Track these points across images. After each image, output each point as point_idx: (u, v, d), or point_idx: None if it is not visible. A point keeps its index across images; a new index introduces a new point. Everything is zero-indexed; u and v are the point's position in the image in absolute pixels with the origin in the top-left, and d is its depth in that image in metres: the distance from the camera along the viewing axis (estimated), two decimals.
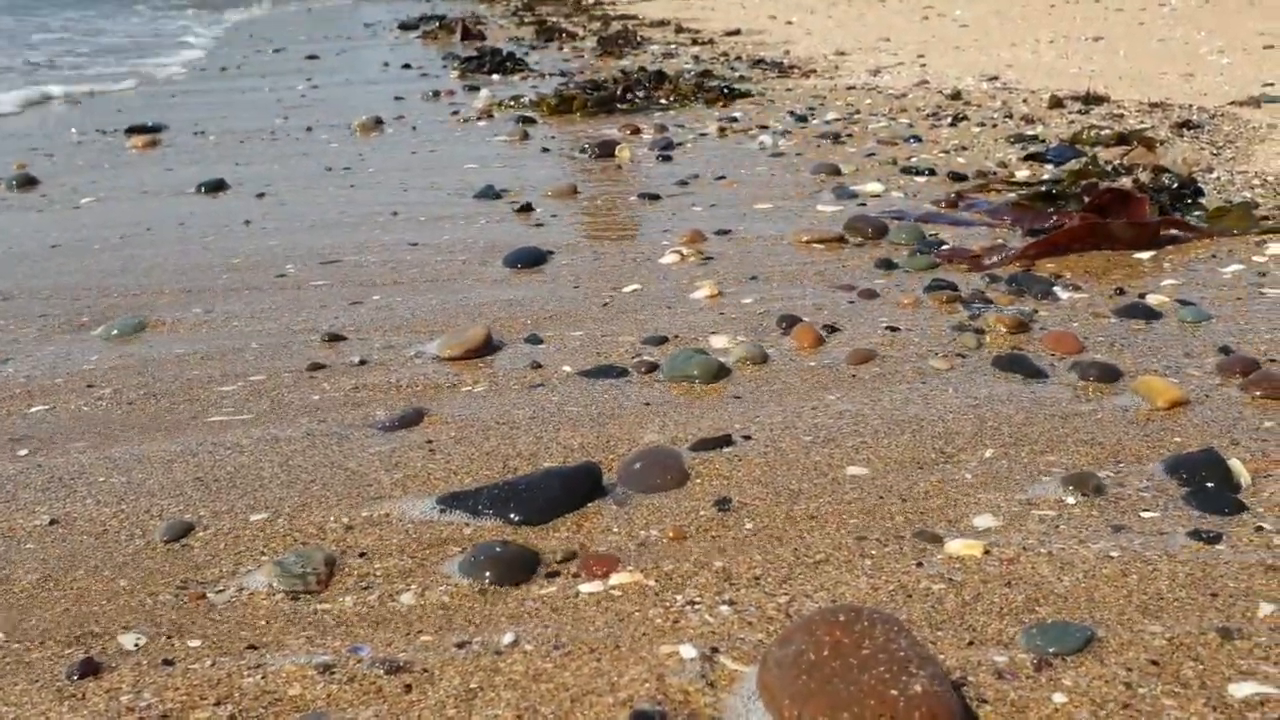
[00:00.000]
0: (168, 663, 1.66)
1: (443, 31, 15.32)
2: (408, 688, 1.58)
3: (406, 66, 11.25)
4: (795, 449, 2.31)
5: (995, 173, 5.07)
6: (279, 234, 4.48)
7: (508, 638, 1.69)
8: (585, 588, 1.85)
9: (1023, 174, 5.01)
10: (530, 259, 3.89)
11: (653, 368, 2.82)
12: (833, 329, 3.03)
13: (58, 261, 4.19)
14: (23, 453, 2.50)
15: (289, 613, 1.81)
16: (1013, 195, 4.53)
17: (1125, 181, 4.50)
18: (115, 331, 3.33)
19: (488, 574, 1.89)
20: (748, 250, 3.92)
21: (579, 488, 2.16)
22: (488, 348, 3.01)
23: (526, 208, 4.71)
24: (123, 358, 3.11)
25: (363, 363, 2.97)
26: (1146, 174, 4.59)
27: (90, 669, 1.64)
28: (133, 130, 7.34)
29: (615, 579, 1.87)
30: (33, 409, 2.77)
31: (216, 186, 5.46)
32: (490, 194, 5.01)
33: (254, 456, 2.41)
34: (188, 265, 4.05)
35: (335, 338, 3.18)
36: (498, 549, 1.93)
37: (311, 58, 12.79)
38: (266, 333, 3.27)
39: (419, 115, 7.73)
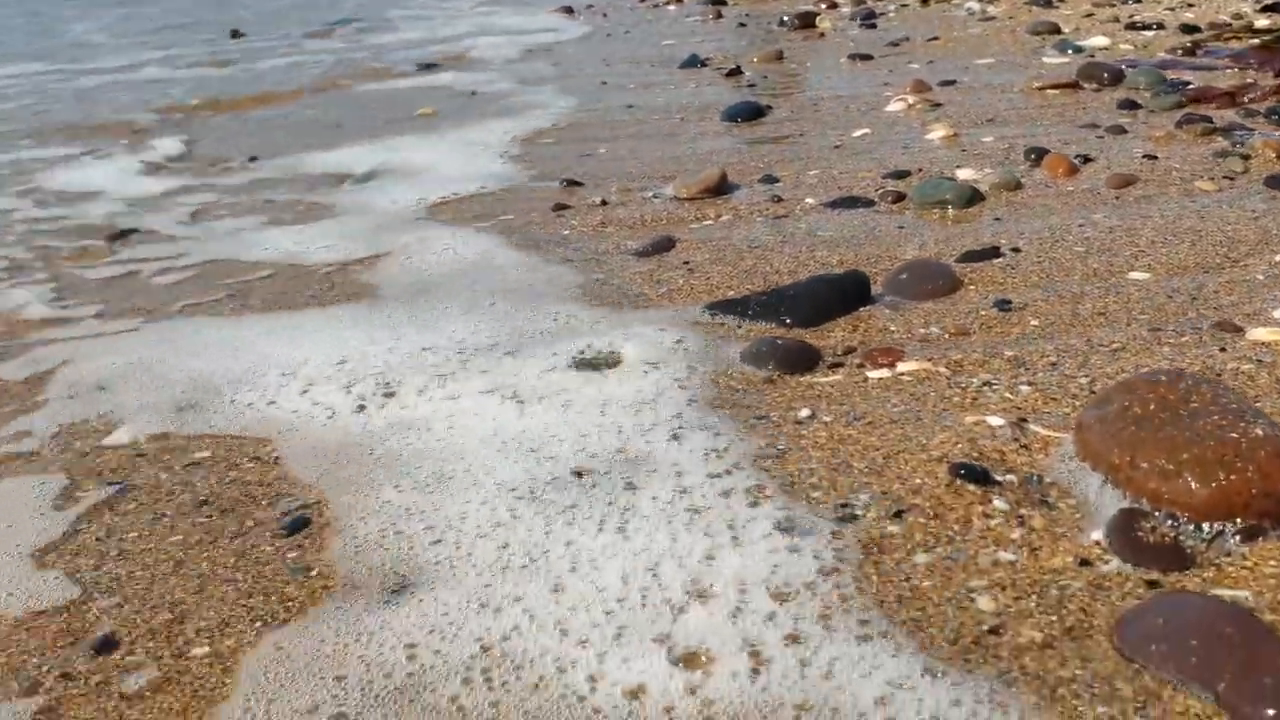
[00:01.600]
0: None
1: None
2: (720, 453, 1.62)
3: None
4: (1069, 258, 2.25)
5: (1230, 24, 4.76)
6: None
7: (804, 412, 1.72)
8: (873, 374, 1.85)
9: (1263, 23, 4.70)
10: (749, 112, 3.87)
11: (900, 198, 2.78)
12: (1086, 159, 2.92)
13: None
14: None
15: None
16: (1255, 41, 4.26)
17: None
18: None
19: (772, 363, 1.91)
20: (977, 97, 3.81)
21: (850, 292, 2.16)
22: (724, 187, 3.02)
23: (736, 71, 4.67)
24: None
25: (603, 203, 3.02)
26: None
27: None
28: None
29: (903, 366, 1.87)
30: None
31: (429, 66, 5.62)
32: (695, 63, 4.99)
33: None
34: None
35: (572, 183, 3.24)
36: (779, 340, 1.96)
37: None
38: (507, 177, 3.36)
39: (607, 3, 7.73)
